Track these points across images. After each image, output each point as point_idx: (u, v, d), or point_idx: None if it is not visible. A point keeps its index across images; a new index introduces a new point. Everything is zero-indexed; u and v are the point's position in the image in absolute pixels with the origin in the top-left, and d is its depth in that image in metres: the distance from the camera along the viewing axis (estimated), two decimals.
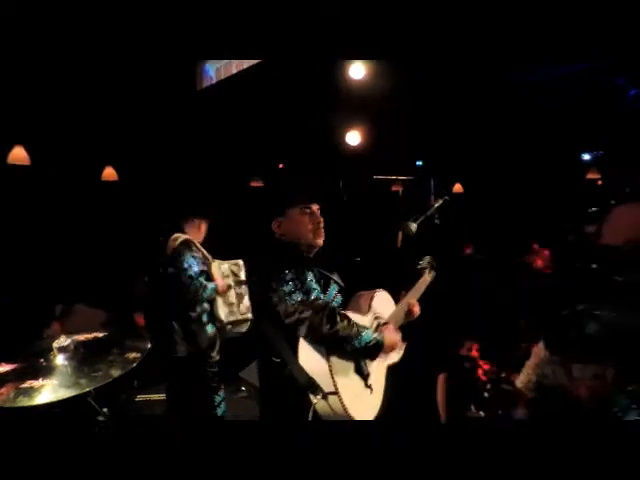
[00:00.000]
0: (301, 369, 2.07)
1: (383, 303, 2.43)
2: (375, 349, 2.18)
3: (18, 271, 4.88)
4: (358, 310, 2.30)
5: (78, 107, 5.15)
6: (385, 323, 2.36)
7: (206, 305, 3.49)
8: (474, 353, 4.14)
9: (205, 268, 3.54)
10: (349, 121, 5.64)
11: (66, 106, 5.13)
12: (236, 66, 4.55)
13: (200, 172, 5.48)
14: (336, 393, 2.04)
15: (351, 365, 2.17)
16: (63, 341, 2.05)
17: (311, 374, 2.06)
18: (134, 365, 2.01)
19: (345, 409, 2.05)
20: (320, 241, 2.33)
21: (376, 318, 2.36)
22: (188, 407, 3.54)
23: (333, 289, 2.34)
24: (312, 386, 2.06)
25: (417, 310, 2.55)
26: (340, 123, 5.64)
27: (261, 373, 2.35)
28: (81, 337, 2.16)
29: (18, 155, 5.45)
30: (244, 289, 3.63)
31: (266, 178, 6.15)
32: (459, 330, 4.28)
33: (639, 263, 1.34)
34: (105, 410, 4.04)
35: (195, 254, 3.52)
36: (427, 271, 2.69)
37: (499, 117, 5.94)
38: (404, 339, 2.48)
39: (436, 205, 2.61)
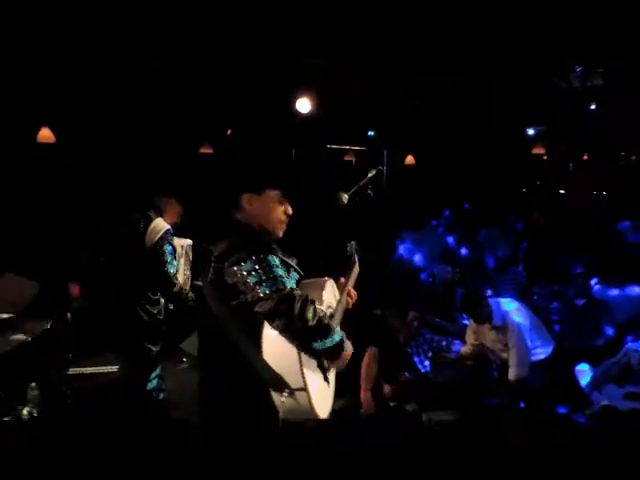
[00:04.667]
0: (266, 364, 1.89)
1: (331, 293, 2.26)
2: (340, 350, 2.00)
3: None
4: None
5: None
6: (332, 315, 2.23)
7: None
8: (415, 323, 4.23)
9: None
10: (299, 88, 5.45)
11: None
12: None
13: (157, 145, 5.28)
14: (304, 389, 1.89)
15: (315, 360, 2.00)
16: None
17: (278, 370, 1.89)
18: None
19: (311, 405, 1.91)
20: (280, 235, 2.15)
21: (328, 308, 2.18)
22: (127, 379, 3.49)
23: (293, 277, 2.11)
24: (277, 383, 1.90)
25: (354, 298, 2.38)
26: (291, 89, 5.46)
27: (207, 364, 2.09)
28: None
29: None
30: (189, 269, 3.60)
31: (235, 146, 5.91)
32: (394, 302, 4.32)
33: None
34: (33, 385, 3.90)
35: (172, 242, 3.41)
36: (356, 257, 2.57)
37: (453, 90, 5.87)
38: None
39: (369, 175, 2.49)
